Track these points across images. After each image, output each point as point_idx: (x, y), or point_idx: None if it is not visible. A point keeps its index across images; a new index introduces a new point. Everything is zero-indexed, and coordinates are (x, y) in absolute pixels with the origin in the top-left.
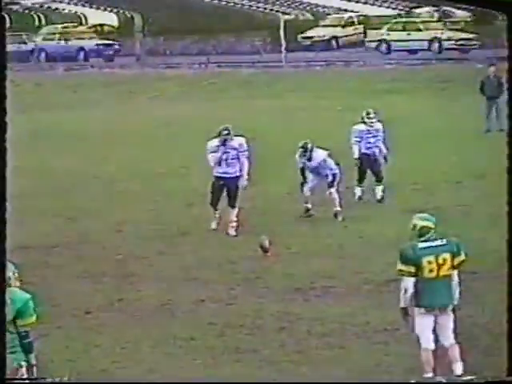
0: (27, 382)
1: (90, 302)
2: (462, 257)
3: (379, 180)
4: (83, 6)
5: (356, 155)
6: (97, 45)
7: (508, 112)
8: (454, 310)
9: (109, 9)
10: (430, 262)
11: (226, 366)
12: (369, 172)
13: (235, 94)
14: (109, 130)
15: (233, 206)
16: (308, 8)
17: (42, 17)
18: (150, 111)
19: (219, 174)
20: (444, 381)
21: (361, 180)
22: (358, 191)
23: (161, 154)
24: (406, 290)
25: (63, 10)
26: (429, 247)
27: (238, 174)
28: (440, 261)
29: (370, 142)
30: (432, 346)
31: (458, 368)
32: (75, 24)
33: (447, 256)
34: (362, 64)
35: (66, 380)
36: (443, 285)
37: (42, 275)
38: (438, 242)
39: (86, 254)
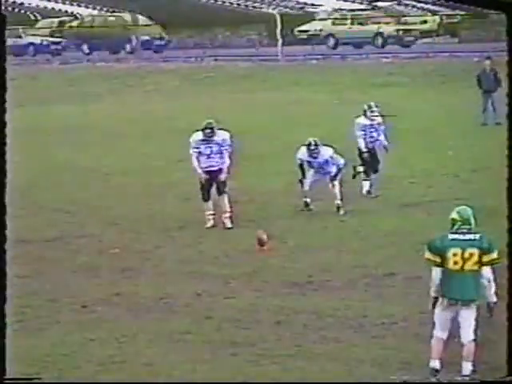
0: (27, 382)
1: (87, 295)
2: (494, 255)
3: (375, 172)
4: (79, 5)
5: (364, 149)
6: (397, 30)
7: (508, 106)
8: (490, 309)
9: (105, 9)
10: (455, 254)
11: (223, 359)
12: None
13: (231, 88)
14: (105, 123)
15: (221, 193)
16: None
17: (38, 16)
18: (146, 105)
19: (204, 169)
20: (444, 381)
21: (368, 173)
22: (366, 185)
23: (158, 148)
24: (432, 280)
25: (59, 10)
26: (457, 239)
27: (221, 166)
28: (466, 255)
29: (372, 137)
30: (444, 336)
31: (466, 368)
32: (72, 18)
33: (475, 251)
34: (358, 58)
35: (65, 380)
36: (468, 279)
37: (39, 269)
38: (469, 236)
39: (83, 247)
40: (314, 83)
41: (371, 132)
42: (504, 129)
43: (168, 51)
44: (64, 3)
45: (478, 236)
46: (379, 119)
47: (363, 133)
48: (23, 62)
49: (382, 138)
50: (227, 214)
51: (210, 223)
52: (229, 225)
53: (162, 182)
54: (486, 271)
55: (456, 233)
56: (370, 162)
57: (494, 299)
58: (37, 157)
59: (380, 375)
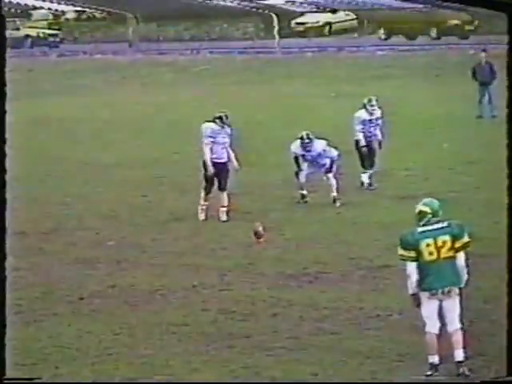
0: (27, 382)
1: (83, 288)
2: (465, 239)
3: (371, 166)
4: (73, 5)
5: (363, 143)
6: None
7: (508, 99)
8: (460, 294)
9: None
10: (428, 245)
11: (219, 351)
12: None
13: (228, 80)
14: (102, 116)
15: (223, 190)
16: None
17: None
18: (143, 97)
19: (214, 160)
20: (444, 381)
21: (366, 166)
22: (365, 178)
23: (154, 140)
24: (410, 276)
25: (49, 9)
26: (427, 231)
27: (227, 159)
28: (439, 243)
29: (370, 132)
30: (436, 330)
31: (459, 355)
32: (65, 11)
33: (447, 238)
34: (355, 50)
35: (65, 380)
36: (445, 267)
37: (36, 261)
38: (438, 225)
39: (79, 240)
40: (311, 76)
41: (370, 127)
42: (500, 121)
43: (165, 43)
44: (59, 3)
45: (446, 223)
46: (378, 113)
47: (362, 127)
48: (20, 54)
49: (377, 132)
50: (224, 208)
51: (203, 215)
52: (224, 218)
53: (158, 174)
54: (460, 257)
55: (425, 225)
56: (368, 156)
57: (463, 284)
58: (33, 149)
59: (376, 367)
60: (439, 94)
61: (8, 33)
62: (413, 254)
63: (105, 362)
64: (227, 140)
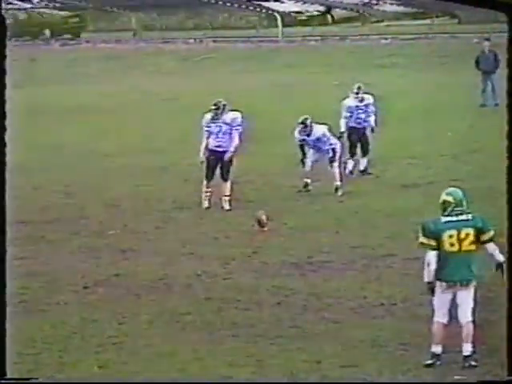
0: (27, 382)
1: (87, 277)
2: (492, 233)
3: (365, 153)
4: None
5: (342, 129)
6: None
7: (507, 88)
8: (502, 269)
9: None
10: (450, 236)
11: (223, 340)
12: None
13: (231, 69)
14: (105, 104)
15: (225, 180)
16: None
17: None
18: (146, 86)
19: (212, 148)
20: (443, 381)
21: (352, 154)
22: (349, 165)
23: (157, 129)
24: (428, 264)
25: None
26: (451, 221)
27: (229, 147)
28: (462, 235)
29: (359, 118)
30: (444, 320)
31: (467, 349)
32: None
33: (470, 231)
34: (358, 39)
35: (64, 380)
36: (465, 260)
37: (38, 250)
38: (462, 217)
39: (82, 228)
40: (314, 64)
41: (359, 113)
42: (502, 110)
43: (168, 32)
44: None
45: (470, 216)
46: (368, 100)
47: (349, 114)
48: (22, 43)
49: (371, 119)
50: (227, 198)
51: (207, 202)
52: (227, 207)
53: (161, 162)
54: (490, 246)
55: (449, 215)
56: (359, 142)
57: (502, 258)
58: (36, 138)
59: (379, 356)
60: (443, 83)
61: (12, 21)
62: (433, 242)
63: (108, 351)
64: (224, 128)
